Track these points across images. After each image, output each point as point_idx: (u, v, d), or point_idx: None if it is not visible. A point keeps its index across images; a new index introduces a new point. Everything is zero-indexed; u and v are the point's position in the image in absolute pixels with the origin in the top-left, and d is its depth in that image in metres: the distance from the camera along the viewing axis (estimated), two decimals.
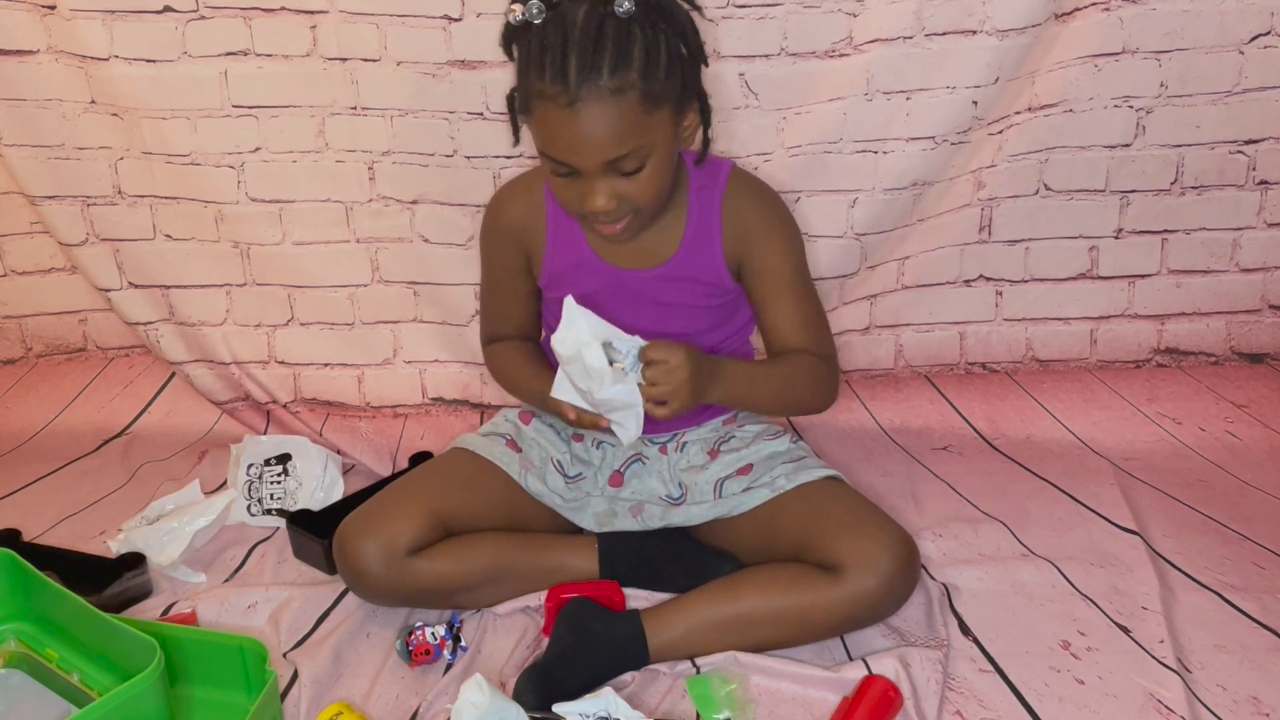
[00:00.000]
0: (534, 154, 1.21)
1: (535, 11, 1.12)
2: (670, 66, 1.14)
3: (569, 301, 1.15)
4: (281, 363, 1.79)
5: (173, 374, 1.85)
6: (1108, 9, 1.60)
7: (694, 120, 1.22)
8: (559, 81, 1.09)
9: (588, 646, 1.16)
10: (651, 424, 1.39)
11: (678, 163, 1.27)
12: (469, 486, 1.32)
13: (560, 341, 1.15)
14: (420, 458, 1.59)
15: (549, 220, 1.34)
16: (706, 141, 1.26)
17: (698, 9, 1.21)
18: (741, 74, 1.58)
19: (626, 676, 1.16)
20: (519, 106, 1.18)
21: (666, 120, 1.16)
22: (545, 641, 1.22)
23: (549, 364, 1.34)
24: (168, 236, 1.73)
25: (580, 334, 1.14)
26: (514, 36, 1.16)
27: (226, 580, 1.39)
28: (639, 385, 1.16)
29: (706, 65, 1.22)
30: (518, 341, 1.43)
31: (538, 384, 1.29)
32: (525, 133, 1.21)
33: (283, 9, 1.56)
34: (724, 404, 1.31)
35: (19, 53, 1.60)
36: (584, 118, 1.10)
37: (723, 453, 1.38)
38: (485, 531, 1.29)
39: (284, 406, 1.79)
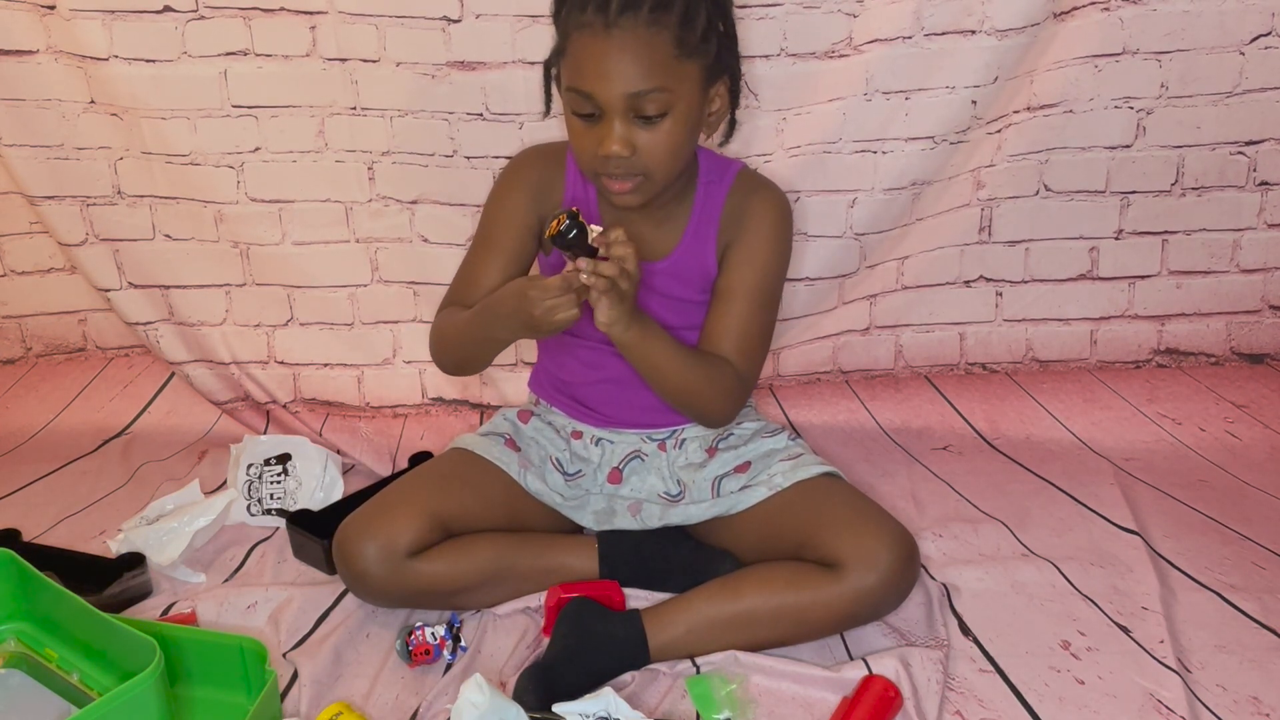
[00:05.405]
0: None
1: None
2: (707, 31, 1.19)
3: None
4: (281, 363, 1.79)
5: (172, 374, 1.85)
6: (1107, 9, 1.60)
7: (721, 104, 1.26)
8: (600, 11, 1.14)
9: (588, 646, 1.16)
10: (650, 418, 1.39)
11: (692, 156, 1.28)
12: (468, 486, 1.32)
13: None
14: (420, 458, 1.59)
15: (568, 191, 1.35)
16: (733, 122, 1.29)
17: None
18: (741, 74, 1.58)
19: (626, 676, 1.16)
20: (556, 51, 1.22)
21: (695, 77, 1.19)
22: (545, 641, 1.22)
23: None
24: (167, 236, 1.73)
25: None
26: None
27: (226, 580, 1.39)
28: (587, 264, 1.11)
29: (739, 64, 1.26)
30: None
31: (475, 313, 1.25)
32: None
33: (282, 9, 1.56)
34: (633, 351, 1.22)
35: (19, 53, 1.60)
36: (616, 44, 1.14)
37: (720, 450, 1.38)
38: (485, 532, 1.29)
39: (284, 406, 1.79)
